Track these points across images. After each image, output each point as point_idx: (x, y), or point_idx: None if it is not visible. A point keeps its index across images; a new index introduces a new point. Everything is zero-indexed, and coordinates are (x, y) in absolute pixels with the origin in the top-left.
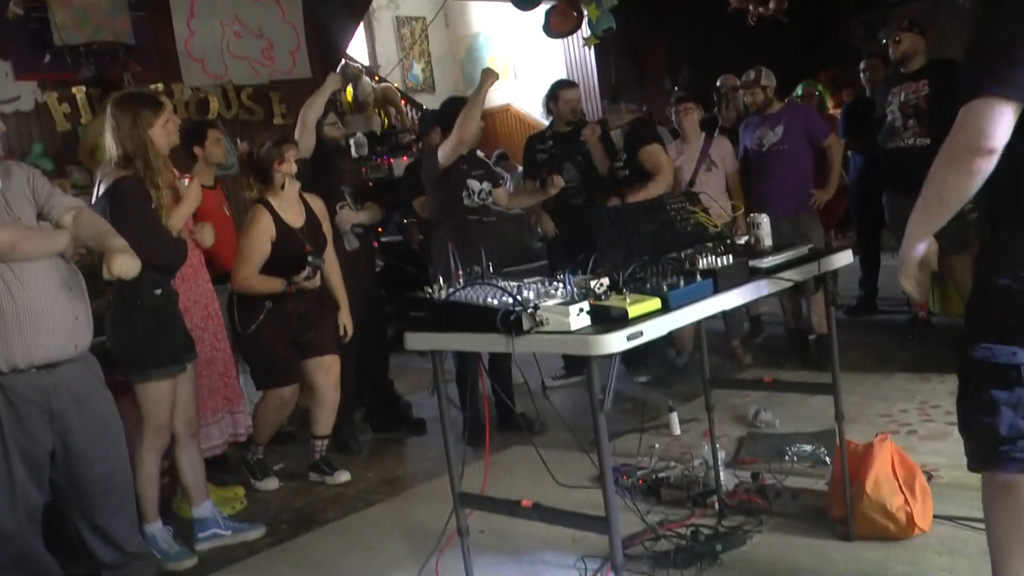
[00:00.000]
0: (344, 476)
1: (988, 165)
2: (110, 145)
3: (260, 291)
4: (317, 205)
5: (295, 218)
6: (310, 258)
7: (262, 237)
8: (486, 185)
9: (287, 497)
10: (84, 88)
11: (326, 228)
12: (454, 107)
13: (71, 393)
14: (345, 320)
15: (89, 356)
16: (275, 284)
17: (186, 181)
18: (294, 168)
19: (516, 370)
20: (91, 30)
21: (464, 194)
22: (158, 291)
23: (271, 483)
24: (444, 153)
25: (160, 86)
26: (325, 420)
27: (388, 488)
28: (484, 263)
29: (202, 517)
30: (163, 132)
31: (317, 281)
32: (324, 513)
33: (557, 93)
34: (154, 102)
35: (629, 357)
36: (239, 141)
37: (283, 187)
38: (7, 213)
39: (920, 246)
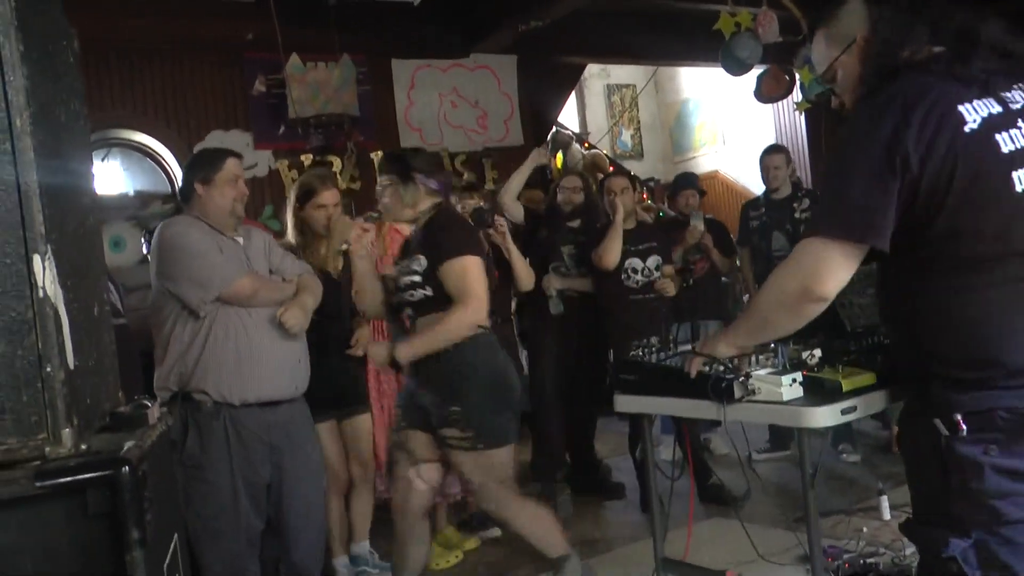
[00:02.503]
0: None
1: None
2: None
3: None
4: None
5: None
6: None
7: None
8: (653, 261)
9: (483, 551)
10: (311, 156)
11: None
12: None
13: (287, 432)
14: None
15: (303, 401)
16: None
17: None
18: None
19: (726, 439)
20: (321, 103)
21: (623, 276)
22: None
23: (495, 531)
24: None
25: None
26: None
27: (586, 549)
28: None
29: (357, 555)
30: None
31: None
32: (518, 569)
33: (760, 158)
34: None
35: (836, 434)
36: None
37: None
38: (247, 266)
39: (729, 351)
